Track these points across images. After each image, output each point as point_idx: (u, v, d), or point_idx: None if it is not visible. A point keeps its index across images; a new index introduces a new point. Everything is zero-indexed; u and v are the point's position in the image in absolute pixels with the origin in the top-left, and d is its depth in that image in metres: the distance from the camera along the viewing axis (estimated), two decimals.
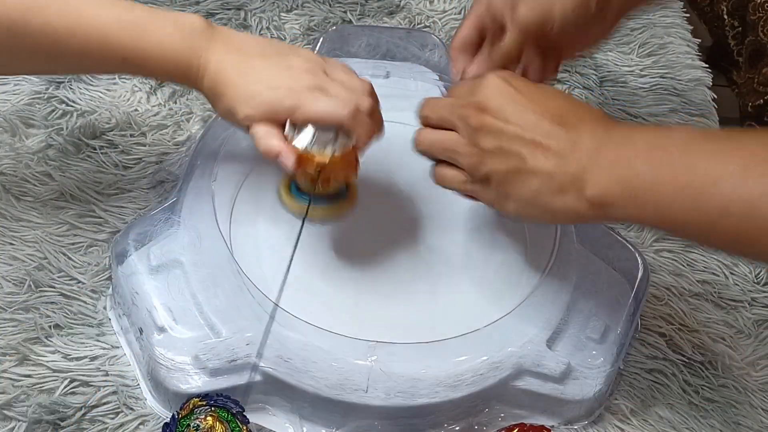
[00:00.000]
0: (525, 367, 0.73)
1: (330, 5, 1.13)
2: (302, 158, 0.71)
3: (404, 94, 0.95)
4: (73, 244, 0.83)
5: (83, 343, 0.76)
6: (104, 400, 0.73)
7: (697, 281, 0.89)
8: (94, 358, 0.76)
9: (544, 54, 0.76)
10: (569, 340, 0.76)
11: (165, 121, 0.95)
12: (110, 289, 0.80)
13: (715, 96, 1.10)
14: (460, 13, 1.14)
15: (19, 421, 0.71)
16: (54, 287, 0.79)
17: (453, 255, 0.82)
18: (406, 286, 0.79)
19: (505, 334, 0.75)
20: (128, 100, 0.97)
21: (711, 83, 1.11)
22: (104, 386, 0.74)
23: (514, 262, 0.81)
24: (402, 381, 0.71)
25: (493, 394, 0.73)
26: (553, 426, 0.75)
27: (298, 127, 0.71)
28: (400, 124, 0.92)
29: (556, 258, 0.80)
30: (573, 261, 0.81)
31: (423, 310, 0.78)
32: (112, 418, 0.73)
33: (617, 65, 1.11)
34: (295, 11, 1.11)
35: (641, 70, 1.10)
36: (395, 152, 0.90)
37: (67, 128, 0.92)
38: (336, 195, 0.78)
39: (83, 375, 0.74)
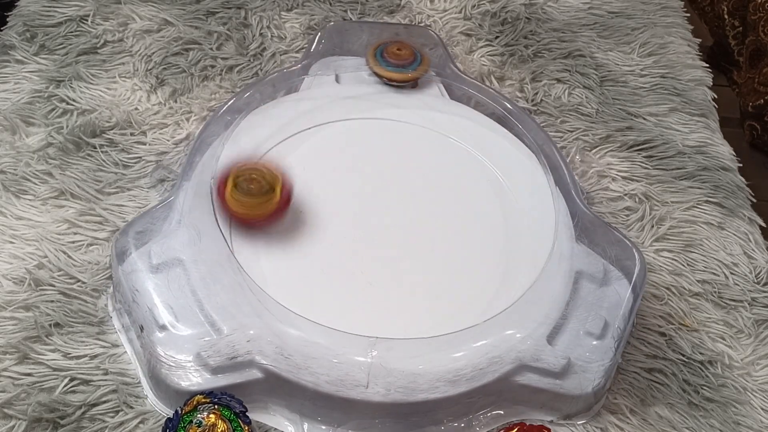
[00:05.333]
0: (524, 362, 0.74)
1: (330, 4, 1.13)
2: None
3: (403, 92, 0.96)
4: (73, 242, 0.83)
5: (83, 341, 0.76)
6: (104, 399, 0.73)
7: (697, 281, 0.89)
8: (93, 357, 0.76)
9: None
10: (569, 336, 0.77)
11: (165, 120, 0.95)
12: (111, 287, 0.80)
13: (716, 96, 1.10)
14: (460, 12, 1.14)
15: (19, 419, 0.71)
16: (54, 286, 0.79)
17: (452, 251, 0.82)
18: (406, 281, 0.79)
19: (505, 329, 0.75)
20: (128, 98, 0.97)
21: (711, 83, 1.11)
22: (104, 385, 0.74)
23: (513, 258, 0.81)
24: (402, 376, 0.71)
25: (493, 389, 0.73)
26: (551, 420, 0.76)
27: None
28: (400, 122, 0.93)
29: (555, 254, 0.80)
30: (572, 257, 0.81)
31: (423, 305, 0.78)
32: (112, 417, 0.73)
33: (618, 65, 1.11)
34: (296, 10, 1.11)
35: (642, 70, 1.10)
36: (394, 150, 0.90)
37: (67, 127, 0.93)
38: None
39: (83, 373, 0.74)
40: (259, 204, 0.77)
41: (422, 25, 1.11)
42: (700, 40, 1.20)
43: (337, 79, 0.96)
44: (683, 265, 0.90)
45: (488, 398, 0.74)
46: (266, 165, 0.79)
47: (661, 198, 0.95)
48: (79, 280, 0.80)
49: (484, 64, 1.07)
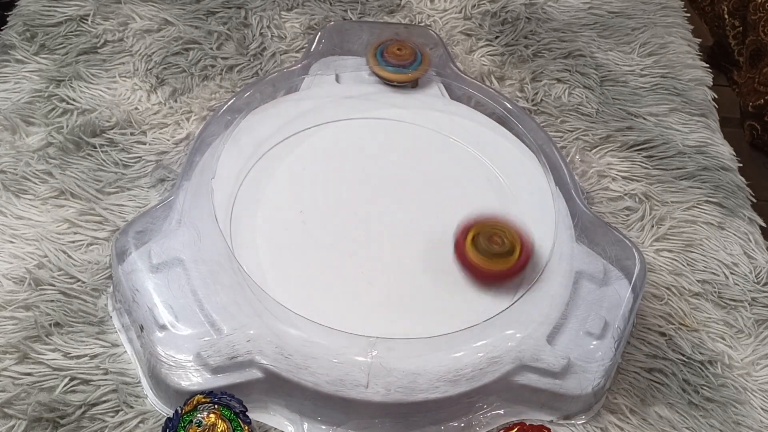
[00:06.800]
0: (524, 362, 0.74)
1: (330, 4, 1.13)
2: None
3: (403, 92, 0.96)
4: (73, 242, 0.83)
5: (83, 341, 0.76)
6: (104, 398, 0.73)
7: (697, 281, 0.89)
8: (94, 356, 0.76)
9: None
10: (569, 335, 0.77)
11: (165, 120, 0.95)
12: (111, 287, 0.80)
13: (716, 96, 1.10)
14: (460, 12, 1.14)
15: (19, 419, 0.71)
16: (54, 285, 0.79)
17: (452, 250, 0.82)
18: (406, 281, 0.79)
19: (505, 329, 0.75)
20: (128, 98, 0.97)
21: (711, 83, 1.11)
22: (104, 384, 0.74)
23: None
24: (402, 376, 0.71)
25: (493, 389, 0.73)
26: (551, 420, 0.76)
27: None
28: (400, 122, 0.93)
29: (555, 254, 0.80)
30: (572, 257, 0.81)
31: (423, 305, 0.78)
32: (112, 417, 0.73)
33: (618, 65, 1.11)
34: (296, 10, 1.11)
35: (642, 70, 1.10)
36: (394, 150, 0.90)
37: (67, 126, 0.93)
38: None
39: (83, 373, 0.74)
40: (497, 261, 0.77)
41: (422, 24, 1.11)
42: (701, 40, 1.20)
43: (337, 79, 0.96)
44: (683, 265, 0.90)
45: (488, 398, 0.74)
46: (509, 224, 0.80)
47: (661, 198, 0.95)
48: (79, 280, 0.80)
49: (484, 64, 1.07)
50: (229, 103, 0.90)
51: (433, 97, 0.96)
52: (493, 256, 0.77)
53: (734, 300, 0.88)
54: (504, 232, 0.78)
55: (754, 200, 0.98)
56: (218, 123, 0.89)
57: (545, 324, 0.76)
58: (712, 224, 0.94)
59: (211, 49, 1.04)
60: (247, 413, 0.68)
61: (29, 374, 0.74)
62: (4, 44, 1.02)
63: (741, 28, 1.34)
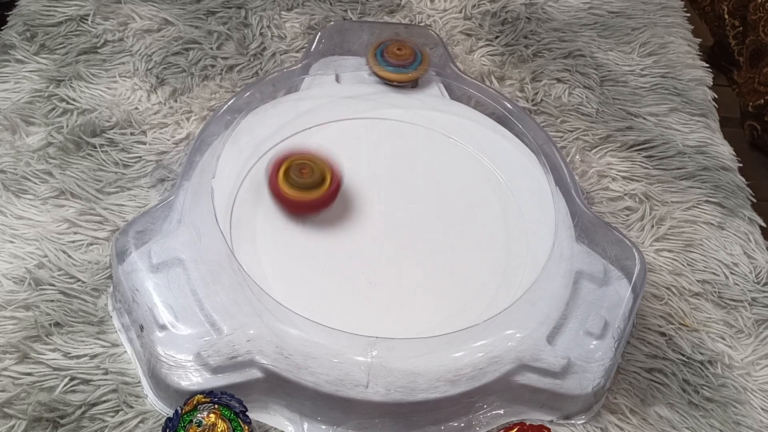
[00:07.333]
0: (524, 362, 0.74)
1: (331, 4, 1.13)
2: None
3: (403, 92, 0.96)
4: (73, 242, 0.83)
5: (83, 341, 0.76)
6: (104, 398, 0.73)
7: (697, 281, 0.89)
8: (94, 356, 0.76)
9: None
10: (569, 335, 0.77)
11: (165, 120, 0.95)
12: (111, 287, 0.80)
13: (716, 95, 1.10)
14: (460, 12, 1.14)
15: (19, 419, 0.71)
16: (54, 285, 0.79)
17: (452, 251, 0.82)
18: (406, 281, 0.79)
19: (505, 329, 0.75)
20: (129, 98, 0.97)
21: (712, 83, 1.11)
22: (104, 384, 0.74)
23: (513, 258, 0.81)
24: (402, 376, 0.71)
25: (493, 389, 0.73)
26: (551, 420, 0.76)
27: None
28: (400, 122, 0.93)
29: (555, 254, 0.80)
30: (572, 257, 0.81)
31: (423, 305, 0.78)
32: (112, 416, 0.73)
33: (618, 65, 1.11)
34: (296, 10, 1.11)
35: (642, 70, 1.10)
36: (394, 150, 0.90)
37: (67, 126, 0.93)
38: None
39: (83, 373, 0.74)
40: (310, 192, 0.80)
41: (422, 24, 1.12)
42: (701, 39, 1.20)
43: (337, 79, 0.96)
44: (683, 265, 0.90)
45: (488, 398, 0.74)
46: (318, 155, 0.82)
47: (661, 198, 0.95)
48: (79, 280, 0.80)
49: (484, 64, 1.07)
50: (229, 103, 0.90)
51: (433, 97, 0.96)
52: (304, 187, 0.80)
53: (734, 300, 0.88)
54: (314, 164, 0.81)
55: (754, 200, 0.98)
56: (218, 123, 0.89)
57: (545, 324, 0.76)
58: (712, 224, 0.94)
59: (211, 49, 1.04)
60: (247, 413, 0.68)
61: (29, 374, 0.74)
62: (4, 44, 1.02)
63: (741, 28, 1.34)
